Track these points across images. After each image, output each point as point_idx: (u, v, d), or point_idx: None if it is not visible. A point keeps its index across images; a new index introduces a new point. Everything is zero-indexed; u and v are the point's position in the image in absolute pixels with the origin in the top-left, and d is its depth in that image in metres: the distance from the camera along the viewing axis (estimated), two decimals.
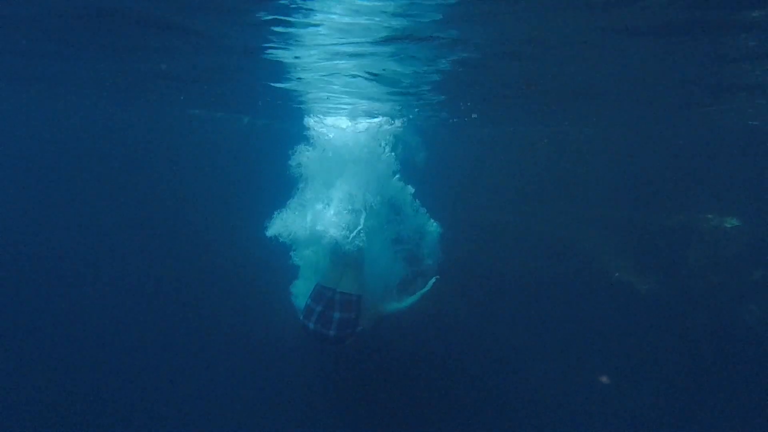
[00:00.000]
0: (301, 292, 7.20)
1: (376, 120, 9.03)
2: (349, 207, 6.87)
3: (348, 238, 6.69)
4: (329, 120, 9.29)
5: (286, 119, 10.74)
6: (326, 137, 8.56)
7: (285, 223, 6.77)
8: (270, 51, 5.59)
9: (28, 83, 9.94)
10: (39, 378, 9.38)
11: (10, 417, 8.54)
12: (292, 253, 7.53)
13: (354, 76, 6.77)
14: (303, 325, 6.31)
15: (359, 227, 6.82)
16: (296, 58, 5.93)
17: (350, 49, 5.20)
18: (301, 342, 6.83)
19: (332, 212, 6.82)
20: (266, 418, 8.68)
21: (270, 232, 6.71)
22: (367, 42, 4.87)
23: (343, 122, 9.23)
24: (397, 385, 8.71)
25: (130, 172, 16.14)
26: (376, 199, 7.27)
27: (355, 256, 6.75)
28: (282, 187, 7.25)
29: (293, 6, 3.90)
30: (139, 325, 10.71)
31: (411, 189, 8.32)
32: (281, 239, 6.72)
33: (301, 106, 9.38)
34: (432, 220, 8.56)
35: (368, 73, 6.50)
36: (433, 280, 7.03)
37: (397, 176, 8.12)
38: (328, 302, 6.33)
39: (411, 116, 9.02)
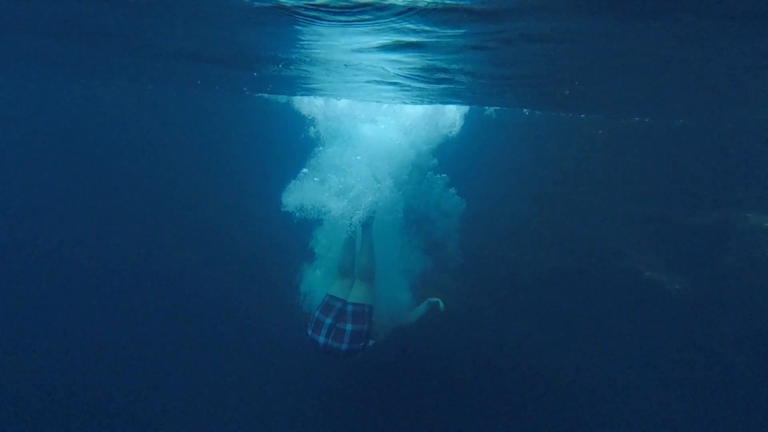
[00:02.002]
0: (311, 283, 6.98)
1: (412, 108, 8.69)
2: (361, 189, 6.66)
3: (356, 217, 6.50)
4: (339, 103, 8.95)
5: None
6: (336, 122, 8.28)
7: (298, 200, 6.52)
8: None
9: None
10: (40, 373, 9.33)
11: (17, 416, 8.54)
12: (310, 236, 7.33)
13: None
14: (311, 339, 6.00)
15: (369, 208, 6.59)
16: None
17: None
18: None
19: (343, 192, 6.60)
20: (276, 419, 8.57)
21: (285, 207, 6.44)
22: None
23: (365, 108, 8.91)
24: (415, 382, 8.52)
25: (128, 156, 15.71)
26: (392, 183, 7.00)
27: (367, 268, 6.49)
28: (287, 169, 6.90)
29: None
30: (136, 317, 10.59)
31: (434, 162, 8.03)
32: (294, 216, 6.45)
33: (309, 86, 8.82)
34: (454, 194, 8.24)
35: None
36: (442, 305, 6.93)
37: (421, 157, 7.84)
38: (339, 314, 6.07)
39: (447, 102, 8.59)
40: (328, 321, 5.98)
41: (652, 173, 10.27)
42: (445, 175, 8.07)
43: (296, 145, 7.61)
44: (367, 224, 6.67)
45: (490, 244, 10.05)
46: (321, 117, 8.47)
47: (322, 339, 5.90)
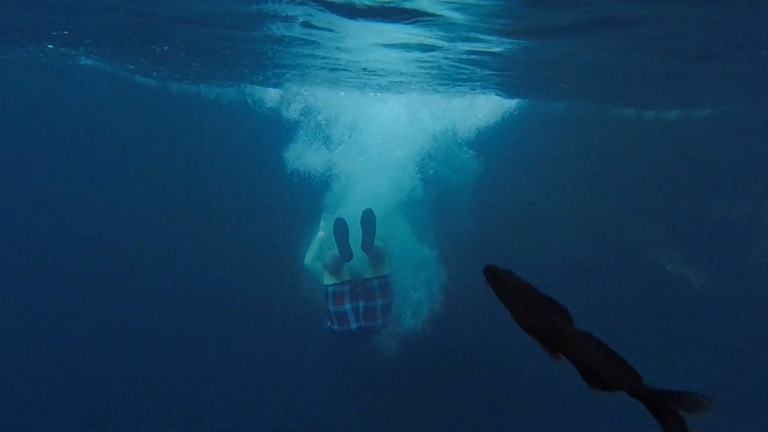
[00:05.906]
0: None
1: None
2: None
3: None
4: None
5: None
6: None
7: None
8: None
9: None
10: (41, 373, 9.17)
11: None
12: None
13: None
14: (340, 332, 5.90)
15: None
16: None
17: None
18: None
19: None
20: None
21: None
22: None
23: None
24: (427, 378, 8.35)
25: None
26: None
27: (375, 259, 6.20)
28: None
29: None
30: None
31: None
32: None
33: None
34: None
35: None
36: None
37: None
38: (359, 294, 5.96)
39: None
40: (348, 306, 5.89)
41: (677, 165, 9.90)
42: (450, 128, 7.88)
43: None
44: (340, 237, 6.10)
45: (509, 237, 9.76)
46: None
47: (353, 326, 5.86)
